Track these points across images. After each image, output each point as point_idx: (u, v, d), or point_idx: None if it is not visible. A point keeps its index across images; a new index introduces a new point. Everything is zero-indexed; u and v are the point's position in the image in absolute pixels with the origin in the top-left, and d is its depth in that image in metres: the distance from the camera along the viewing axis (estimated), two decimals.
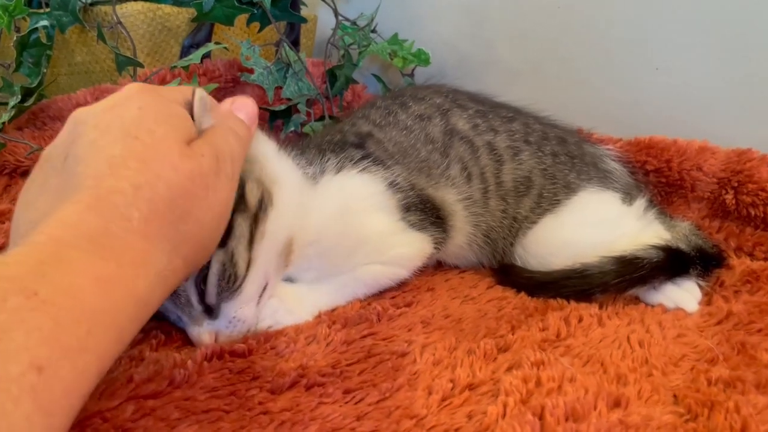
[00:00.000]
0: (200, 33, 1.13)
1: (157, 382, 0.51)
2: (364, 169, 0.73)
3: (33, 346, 0.34)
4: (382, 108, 0.86)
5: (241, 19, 1.11)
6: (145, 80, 1.03)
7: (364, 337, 0.63)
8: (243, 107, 0.61)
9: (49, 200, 0.47)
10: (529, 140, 0.84)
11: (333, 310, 0.70)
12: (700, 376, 0.57)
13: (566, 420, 0.48)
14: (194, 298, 0.58)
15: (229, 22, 1.06)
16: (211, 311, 0.59)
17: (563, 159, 0.84)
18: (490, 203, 0.82)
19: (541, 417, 0.48)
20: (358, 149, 0.76)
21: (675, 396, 0.53)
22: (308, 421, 0.49)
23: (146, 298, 0.44)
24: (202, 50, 1.02)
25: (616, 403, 0.51)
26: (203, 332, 0.59)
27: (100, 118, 0.49)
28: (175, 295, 0.57)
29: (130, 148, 0.47)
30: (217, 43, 1.09)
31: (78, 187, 0.45)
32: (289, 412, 0.50)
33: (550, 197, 0.82)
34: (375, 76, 1.36)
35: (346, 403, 0.52)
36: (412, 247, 0.74)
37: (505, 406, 0.50)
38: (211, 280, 0.57)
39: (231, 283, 0.58)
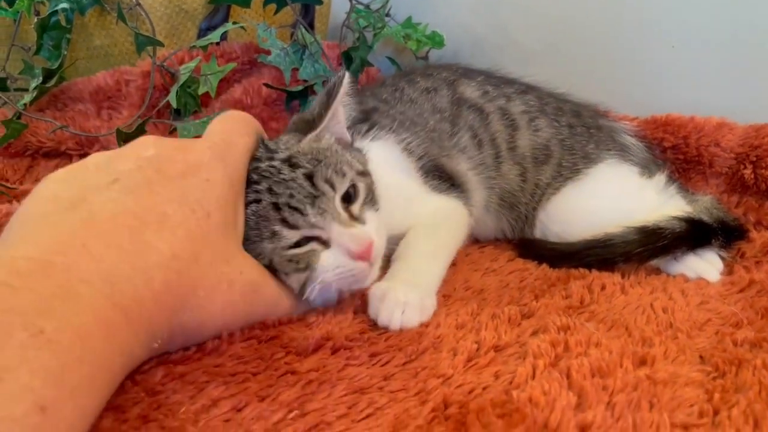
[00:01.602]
0: (217, 16, 1.14)
1: (187, 349, 0.52)
2: (374, 137, 0.75)
3: (38, 387, 0.34)
4: (390, 86, 0.88)
5: (258, 1, 1.11)
6: (164, 61, 1.03)
7: None
8: None
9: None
10: (545, 110, 0.85)
11: None
12: (726, 338, 0.57)
13: (593, 376, 0.48)
14: (339, 205, 0.59)
15: (245, 3, 1.07)
16: (355, 219, 0.60)
17: (580, 130, 0.85)
18: (502, 168, 0.83)
19: (568, 375, 0.49)
20: (363, 123, 0.78)
21: (701, 357, 0.53)
22: (336, 381, 0.49)
23: (138, 355, 0.46)
24: (221, 29, 1.02)
25: (642, 362, 0.51)
26: (357, 229, 0.59)
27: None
28: (320, 210, 0.57)
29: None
30: (234, 22, 1.10)
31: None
32: (316, 372, 0.50)
33: (570, 167, 0.82)
34: (389, 58, 1.36)
35: (373, 365, 0.52)
36: (447, 204, 0.76)
37: (534, 368, 0.50)
38: (360, 194, 0.61)
39: (373, 202, 0.63)
